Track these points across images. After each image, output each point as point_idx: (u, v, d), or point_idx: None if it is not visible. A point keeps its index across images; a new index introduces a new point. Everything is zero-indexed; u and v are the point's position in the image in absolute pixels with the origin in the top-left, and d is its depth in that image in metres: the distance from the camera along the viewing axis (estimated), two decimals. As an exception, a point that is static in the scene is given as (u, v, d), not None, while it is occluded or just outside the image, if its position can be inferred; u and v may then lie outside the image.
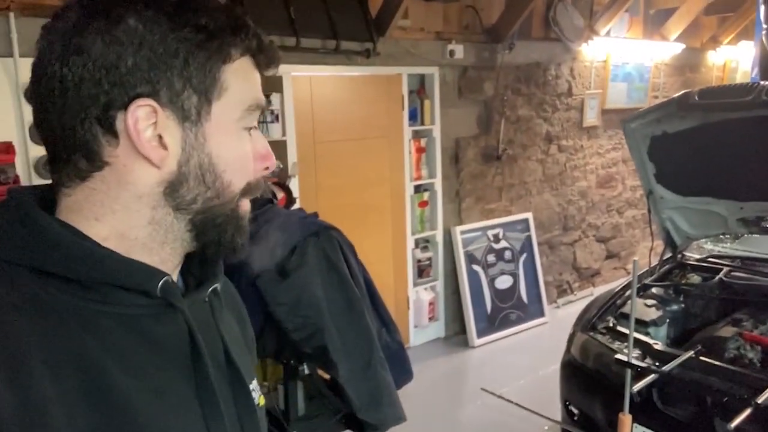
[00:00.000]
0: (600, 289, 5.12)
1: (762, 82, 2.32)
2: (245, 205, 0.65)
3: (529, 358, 3.91)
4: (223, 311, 0.70)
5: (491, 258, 4.26)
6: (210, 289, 0.67)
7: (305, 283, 2.15)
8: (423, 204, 4.04)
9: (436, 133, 4.01)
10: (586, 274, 5.24)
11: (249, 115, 0.62)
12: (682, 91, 2.63)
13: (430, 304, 4.07)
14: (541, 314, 4.46)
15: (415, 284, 4.02)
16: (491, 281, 4.23)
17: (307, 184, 3.56)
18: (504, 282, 4.30)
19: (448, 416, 3.26)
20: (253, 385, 0.70)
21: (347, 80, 3.77)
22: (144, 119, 0.55)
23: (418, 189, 4.03)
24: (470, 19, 4.09)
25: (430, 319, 4.09)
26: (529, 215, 4.53)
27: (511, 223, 4.41)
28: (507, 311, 4.28)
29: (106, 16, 0.54)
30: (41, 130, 0.59)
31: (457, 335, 4.21)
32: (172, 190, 0.59)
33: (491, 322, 4.18)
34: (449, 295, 4.17)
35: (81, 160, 0.57)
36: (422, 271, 4.08)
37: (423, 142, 4.00)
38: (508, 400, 3.25)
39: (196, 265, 0.69)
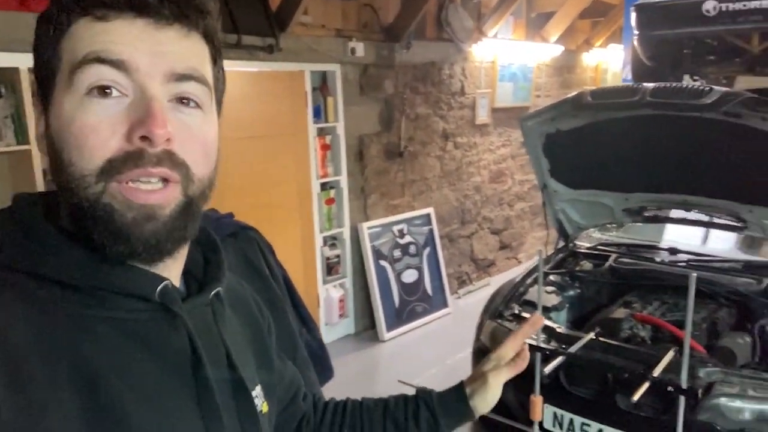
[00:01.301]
0: (496, 279, 5.41)
1: (645, 84, 2.55)
2: (124, 191, 0.53)
3: (437, 348, 4.05)
4: (226, 315, 0.68)
5: (397, 253, 4.35)
6: (212, 293, 0.65)
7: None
8: (330, 201, 4.05)
9: (341, 130, 4.03)
10: (483, 264, 5.50)
11: (86, 72, 0.52)
12: (576, 92, 2.84)
13: (340, 300, 4.09)
14: (445, 305, 4.62)
15: (325, 282, 4.02)
16: (398, 276, 4.33)
17: (211, 184, 3.43)
18: (410, 276, 4.41)
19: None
20: (257, 391, 0.69)
21: (249, 76, 3.68)
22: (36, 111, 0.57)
23: (324, 186, 4.02)
24: (368, 17, 4.14)
25: (341, 315, 4.12)
26: (430, 210, 4.68)
27: (414, 218, 4.53)
28: (414, 304, 4.39)
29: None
30: None
31: (366, 330, 4.26)
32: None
33: (399, 316, 4.27)
34: (358, 291, 4.22)
35: None
36: (331, 268, 4.08)
37: (328, 139, 4.00)
38: (424, 389, 3.35)
39: (200, 269, 0.67)
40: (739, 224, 2.81)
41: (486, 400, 0.89)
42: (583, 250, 3.49)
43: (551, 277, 3.23)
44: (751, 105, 2.25)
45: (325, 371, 2.48)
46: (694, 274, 2.07)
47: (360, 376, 3.65)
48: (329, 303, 4.03)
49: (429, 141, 4.75)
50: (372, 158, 4.28)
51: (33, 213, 0.56)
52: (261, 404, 0.69)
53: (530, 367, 2.28)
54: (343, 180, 4.08)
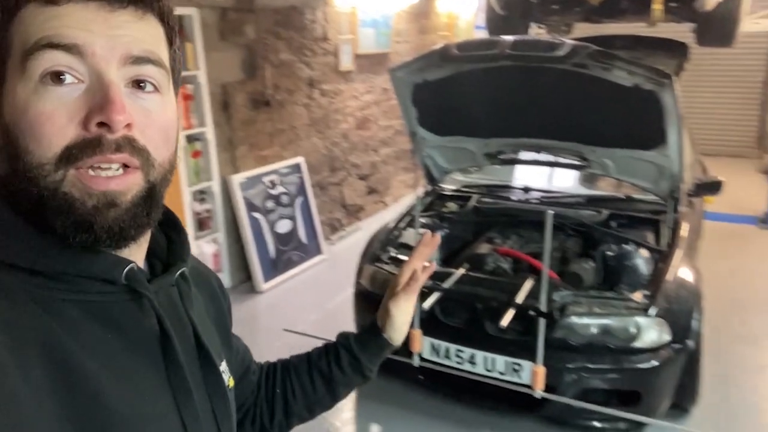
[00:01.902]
0: (365, 223, 5.59)
1: (505, 37, 2.74)
2: (84, 178, 0.53)
3: (315, 294, 4.15)
4: (191, 293, 0.70)
5: (270, 204, 4.33)
6: (177, 273, 0.66)
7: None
8: (196, 154, 3.90)
9: (202, 78, 3.85)
10: (353, 210, 5.64)
11: (39, 59, 0.52)
12: (443, 44, 2.97)
13: (215, 255, 4.02)
14: (319, 252, 4.71)
15: (197, 237, 3.92)
16: (272, 226, 4.32)
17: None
18: (284, 226, 4.42)
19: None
20: (223, 366, 0.72)
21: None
22: None
23: (189, 139, 3.86)
24: (226, -43, 3.94)
25: (216, 271, 4.04)
26: (300, 159, 4.68)
27: (284, 167, 4.51)
28: (289, 253, 4.43)
29: None
30: None
31: (243, 283, 4.25)
32: None
33: (275, 266, 4.30)
34: (232, 245, 4.16)
35: None
36: (202, 223, 3.98)
37: (189, 88, 3.81)
38: (311, 336, 3.45)
39: (163, 249, 0.68)
40: (583, 163, 3.16)
41: (395, 327, 0.95)
42: (448, 193, 3.73)
43: (421, 219, 3.43)
44: (596, 56, 2.52)
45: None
46: (551, 212, 2.34)
47: (242, 327, 3.56)
48: (203, 259, 3.92)
49: (295, 89, 4.70)
50: (238, 108, 4.17)
51: None
52: (227, 379, 0.72)
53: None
54: (209, 131, 3.94)
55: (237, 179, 4.10)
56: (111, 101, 0.52)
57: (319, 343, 1.00)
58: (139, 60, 0.55)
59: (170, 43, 0.60)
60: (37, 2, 0.52)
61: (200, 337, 0.67)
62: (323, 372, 0.95)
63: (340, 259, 4.65)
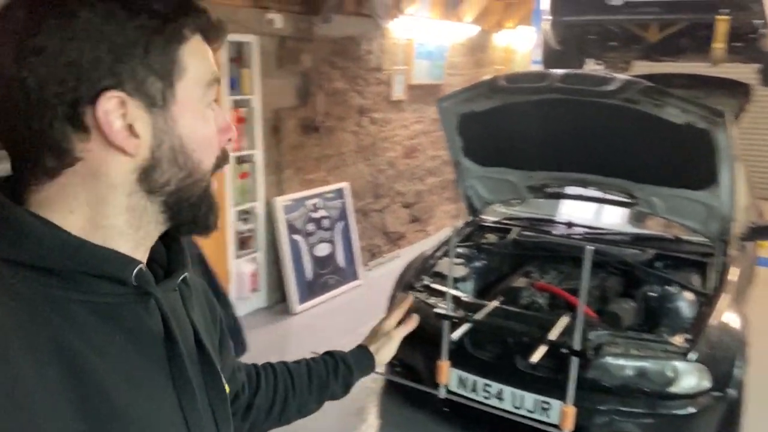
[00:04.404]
0: (405, 251, 5.57)
1: (555, 70, 2.72)
2: (214, 183, 0.67)
3: (348, 319, 4.13)
4: (192, 299, 0.72)
5: (311, 227, 4.38)
6: (180, 277, 0.68)
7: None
8: (243, 175, 4.00)
9: (256, 103, 3.97)
10: (394, 237, 5.64)
11: (210, 90, 0.63)
12: (491, 76, 2.98)
13: (252, 275, 4.08)
14: (356, 277, 4.72)
15: (237, 256, 3.99)
16: (311, 249, 4.36)
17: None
18: (323, 249, 4.46)
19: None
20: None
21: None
22: (113, 111, 0.55)
23: (238, 160, 3.97)
24: (288, -12, 4.08)
25: (253, 289, 4.11)
26: (345, 184, 4.73)
27: (328, 192, 4.56)
28: (326, 277, 4.46)
29: (59, 13, 0.53)
30: (3, 135, 0.57)
31: (278, 303, 4.28)
32: (146, 175, 0.59)
33: (311, 288, 4.32)
34: (270, 265, 4.22)
35: (50, 159, 0.55)
36: (243, 242, 4.05)
37: (243, 112, 3.94)
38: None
39: (163, 256, 0.69)
40: (630, 200, 3.07)
41: (384, 355, 1.12)
42: (488, 224, 3.68)
43: (459, 249, 3.39)
44: (648, 92, 2.47)
45: (237, 346, 2.51)
46: (591, 248, 2.27)
47: (272, 348, 3.67)
48: (241, 277, 4.01)
49: (345, 116, 4.79)
50: (288, 132, 4.27)
51: (2, 199, 0.56)
52: (225, 384, 0.73)
53: (438, 335, 2.44)
54: (258, 154, 4.04)
55: (281, 201, 4.17)
56: (230, 123, 0.67)
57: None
58: None
59: None
60: (200, 37, 0.62)
61: (202, 340, 0.68)
62: (321, 378, 1.04)
63: (376, 285, 4.63)
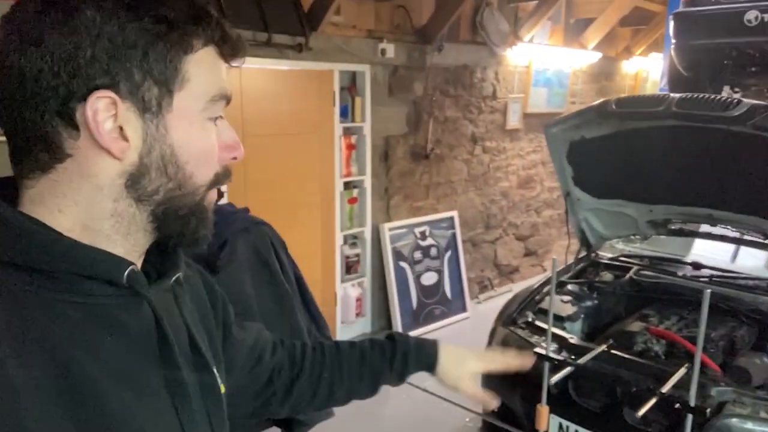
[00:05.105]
0: (519, 285, 5.34)
1: (671, 94, 2.49)
2: (211, 197, 0.65)
3: (452, 353, 4.02)
4: (185, 299, 0.71)
5: (418, 255, 4.34)
6: (173, 278, 0.67)
7: (234, 280, 2.12)
8: (352, 201, 4.07)
9: (367, 130, 4.05)
10: (506, 270, 5.44)
11: (213, 105, 0.62)
12: (601, 100, 2.79)
13: (358, 300, 4.11)
14: (464, 309, 4.59)
15: (343, 280, 4.05)
16: (417, 277, 4.32)
17: (235, 179, 3.42)
18: (429, 278, 4.40)
19: (374, 411, 3.31)
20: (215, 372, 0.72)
21: (278, 74, 3.73)
22: (103, 111, 0.55)
23: (347, 185, 4.05)
24: (401, 19, 4.15)
25: (357, 314, 4.13)
26: (454, 213, 4.66)
27: (437, 220, 4.51)
28: (432, 307, 4.38)
29: (64, 7, 0.54)
30: (2, 122, 0.58)
31: (382, 330, 4.27)
32: (134, 181, 0.59)
33: (416, 318, 4.27)
34: (376, 291, 4.23)
35: (42, 152, 0.56)
36: (350, 267, 4.10)
37: (353, 139, 4.03)
38: (433, 393, 3.34)
39: (156, 256, 0.69)
40: (766, 241, 2.72)
41: (448, 367, 1.01)
42: (604, 261, 3.43)
43: (569, 287, 3.18)
44: (780, 118, 2.18)
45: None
46: (708, 290, 2.01)
47: None
48: (346, 301, 4.05)
49: (457, 144, 4.73)
50: (397, 159, 4.29)
51: None
52: (220, 384, 0.72)
53: (538, 377, 2.28)
54: (367, 180, 4.10)
55: (388, 227, 4.18)
56: (238, 142, 0.66)
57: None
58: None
59: None
60: (214, 50, 0.61)
61: (196, 340, 0.67)
62: (374, 367, 0.99)
63: (485, 319, 4.44)
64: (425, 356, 1.01)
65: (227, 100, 0.64)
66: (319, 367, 0.96)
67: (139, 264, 0.64)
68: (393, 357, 0.99)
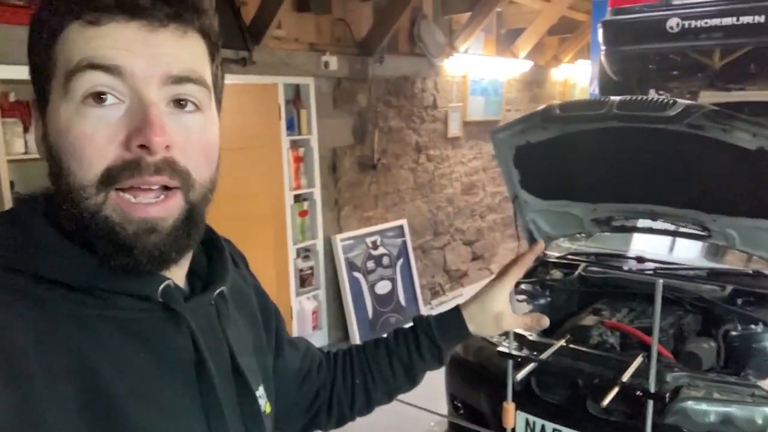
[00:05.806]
0: (468, 290, 5.45)
1: (612, 97, 2.62)
2: (123, 205, 0.53)
3: (410, 359, 4.05)
4: (230, 315, 0.68)
5: (371, 264, 4.36)
6: (215, 292, 0.64)
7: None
8: (303, 213, 4.05)
9: (314, 142, 4.04)
10: (456, 275, 5.54)
11: (80, 79, 0.52)
12: (545, 105, 2.90)
13: (314, 312, 4.08)
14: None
15: (298, 294, 4.01)
16: (371, 287, 4.34)
17: (183, 196, 3.41)
18: (383, 287, 4.42)
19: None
20: (260, 391, 0.69)
21: (224, 89, 3.67)
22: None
23: (297, 198, 4.03)
24: (342, 32, 4.18)
25: (314, 327, 4.10)
26: (403, 222, 4.71)
27: (387, 229, 4.55)
28: (387, 315, 4.40)
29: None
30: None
31: (340, 342, 4.25)
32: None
33: (373, 327, 4.28)
34: (331, 303, 4.21)
35: None
36: (304, 280, 4.07)
37: (301, 151, 4.01)
38: (398, 400, 3.35)
39: (204, 267, 0.67)
40: (703, 233, 2.89)
41: (479, 315, 0.93)
42: (552, 260, 3.55)
43: (522, 286, 3.27)
44: (713, 117, 2.33)
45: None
46: (661, 281, 2.13)
47: None
48: (302, 315, 4.01)
49: (402, 153, 4.80)
50: (345, 170, 4.30)
51: (33, 214, 0.56)
52: (264, 404, 0.69)
53: (502, 375, 2.33)
54: (317, 192, 4.09)
55: (340, 239, 4.18)
56: (150, 123, 0.51)
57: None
58: (179, 79, 0.55)
59: (212, 59, 0.60)
60: (78, 22, 0.52)
61: (237, 359, 0.65)
62: (403, 359, 0.93)
63: (440, 324, 4.54)
64: (453, 329, 0.94)
65: (105, 67, 0.51)
66: (350, 373, 0.93)
67: (181, 278, 0.63)
68: (419, 344, 0.93)
